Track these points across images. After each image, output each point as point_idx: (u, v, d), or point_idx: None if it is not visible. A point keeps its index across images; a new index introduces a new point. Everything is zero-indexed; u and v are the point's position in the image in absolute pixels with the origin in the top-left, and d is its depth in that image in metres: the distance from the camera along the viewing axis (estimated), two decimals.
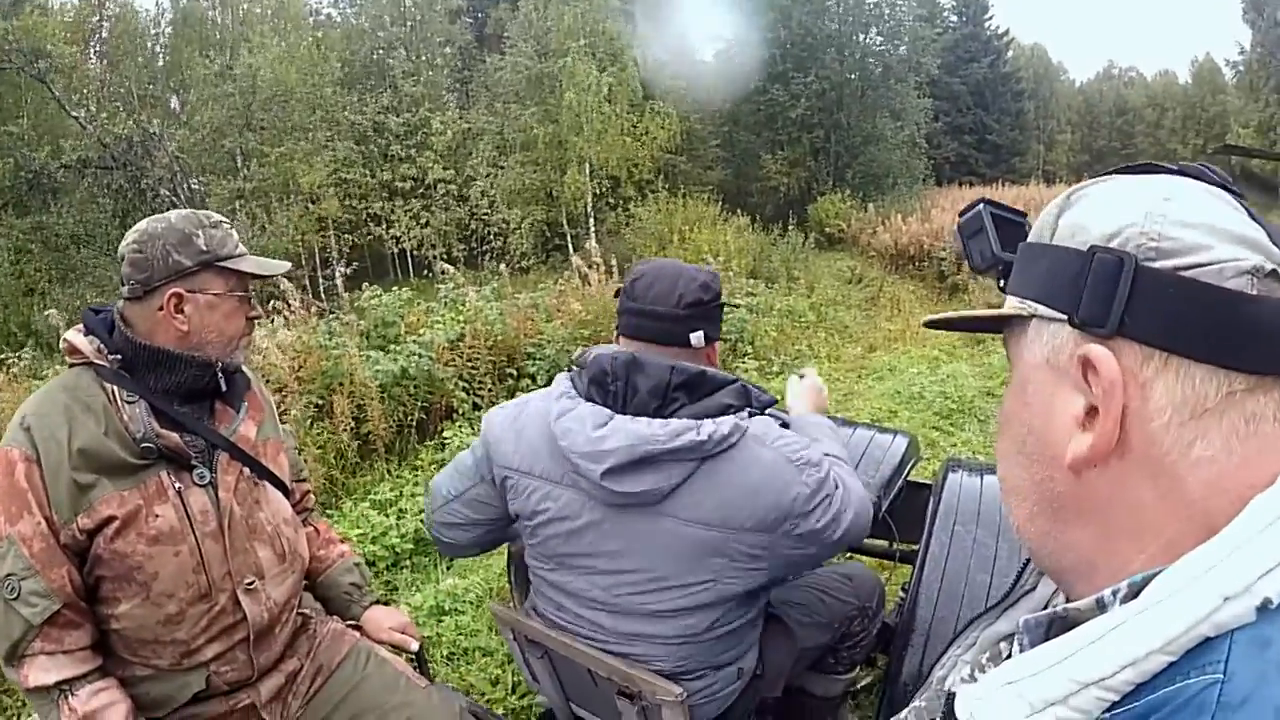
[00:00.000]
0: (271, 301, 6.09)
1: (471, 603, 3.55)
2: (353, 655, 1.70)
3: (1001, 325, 0.64)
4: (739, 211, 15.25)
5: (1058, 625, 0.55)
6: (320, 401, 4.98)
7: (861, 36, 22.48)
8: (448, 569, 3.97)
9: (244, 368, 1.60)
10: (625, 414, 1.39)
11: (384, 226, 18.67)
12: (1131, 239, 0.53)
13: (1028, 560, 0.83)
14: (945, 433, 5.42)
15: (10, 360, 6.03)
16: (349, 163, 18.23)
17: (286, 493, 1.65)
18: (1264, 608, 0.43)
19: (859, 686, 2.59)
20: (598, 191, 18.20)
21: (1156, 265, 0.52)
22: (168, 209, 1.50)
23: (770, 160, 21.95)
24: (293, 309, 5.87)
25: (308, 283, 14.46)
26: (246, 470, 1.53)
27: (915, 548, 2.43)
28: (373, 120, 18.94)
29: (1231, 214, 0.54)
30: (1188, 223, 0.53)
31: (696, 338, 1.48)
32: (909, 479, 2.57)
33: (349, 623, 1.84)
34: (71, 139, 13.85)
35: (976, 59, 35.10)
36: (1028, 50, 47.21)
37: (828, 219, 17.04)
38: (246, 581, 1.48)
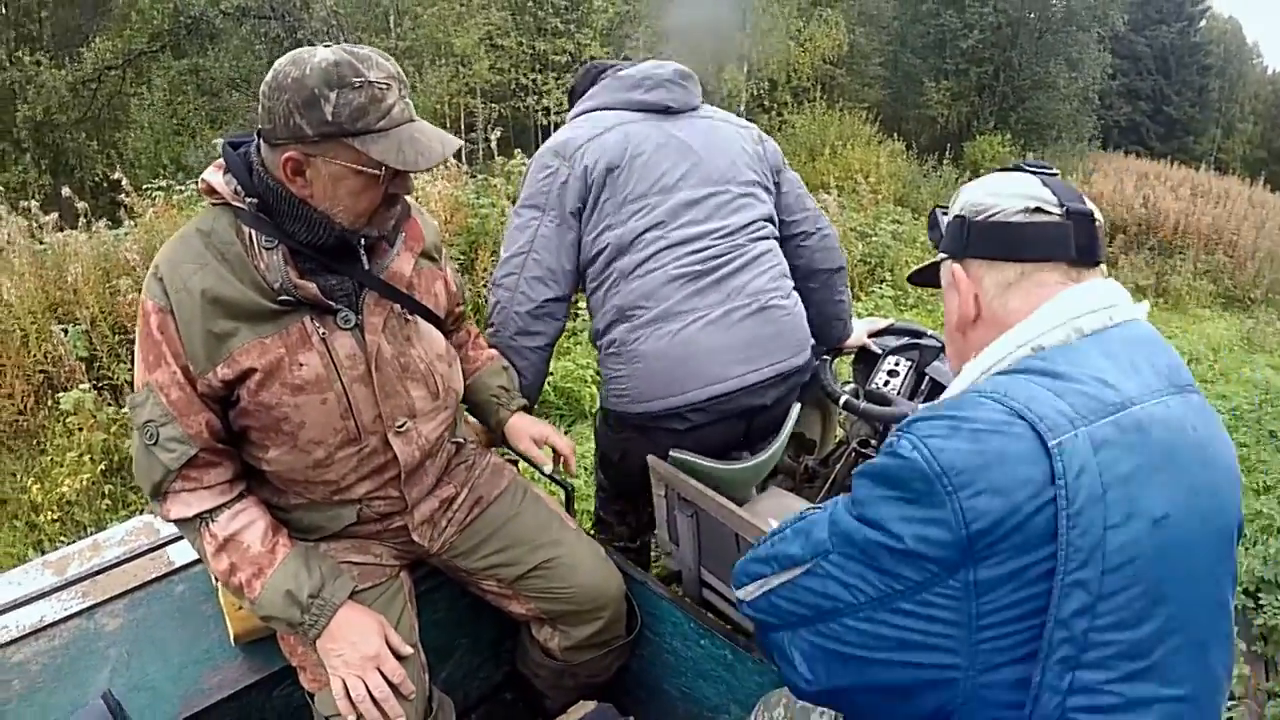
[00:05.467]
0: None
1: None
2: (510, 490, 1.71)
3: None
4: (894, 136, 14.51)
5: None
6: (463, 257, 5.15)
7: None
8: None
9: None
10: None
11: (535, 97, 18.61)
12: (966, 207, 1.05)
13: None
14: None
15: (173, 188, 6.03)
16: (503, 30, 18.09)
17: (441, 325, 1.56)
18: (1033, 354, 0.93)
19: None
20: (753, 93, 17.64)
21: (978, 219, 1.03)
22: None
23: (933, 89, 20.68)
24: (448, 163, 5.98)
25: None
26: (397, 307, 1.43)
27: None
28: None
29: (1024, 183, 1.01)
30: (991, 192, 1.02)
31: None
32: None
33: (497, 420, 1.81)
34: None
35: (1166, 22, 32.05)
36: (1222, 23, 42.32)
37: (984, 160, 16.14)
38: (398, 424, 1.43)
